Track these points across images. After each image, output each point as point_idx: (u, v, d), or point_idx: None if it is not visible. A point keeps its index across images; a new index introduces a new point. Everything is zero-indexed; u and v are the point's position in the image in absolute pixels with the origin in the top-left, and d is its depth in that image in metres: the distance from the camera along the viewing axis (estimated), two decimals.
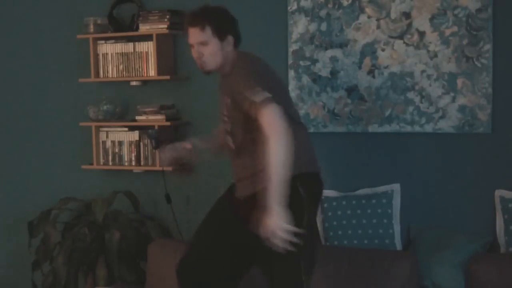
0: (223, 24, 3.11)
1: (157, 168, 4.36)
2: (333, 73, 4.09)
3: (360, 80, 4.03)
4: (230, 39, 3.13)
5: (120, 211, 4.43)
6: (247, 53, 3.17)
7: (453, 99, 3.86)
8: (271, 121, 2.82)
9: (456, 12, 3.82)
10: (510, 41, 3.76)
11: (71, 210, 4.58)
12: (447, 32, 3.85)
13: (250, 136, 3.03)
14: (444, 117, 3.89)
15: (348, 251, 3.79)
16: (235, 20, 3.19)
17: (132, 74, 4.45)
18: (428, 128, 3.92)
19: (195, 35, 3.10)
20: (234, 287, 3.31)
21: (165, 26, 4.32)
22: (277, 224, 2.77)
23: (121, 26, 4.48)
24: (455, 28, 3.83)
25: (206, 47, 3.10)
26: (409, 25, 3.92)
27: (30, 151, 4.92)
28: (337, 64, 4.07)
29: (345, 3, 4.04)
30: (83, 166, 4.65)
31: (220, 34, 3.09)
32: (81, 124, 4.62)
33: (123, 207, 4.47)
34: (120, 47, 4.46)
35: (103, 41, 4.50)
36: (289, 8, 4.14)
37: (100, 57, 4.51)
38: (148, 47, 4.37)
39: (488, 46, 3.78)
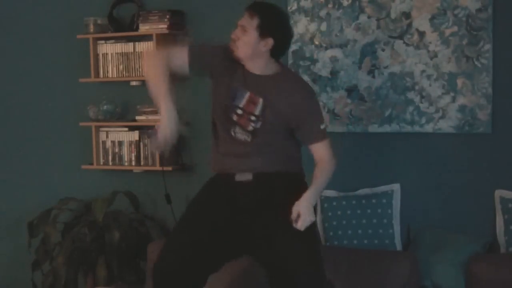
0: (270, 25, 3.15)
1: (157, 168, 4.36)
2: (333, 73, 4.09)
3: (360, 80, 4.03)
4: (269, 41, 3.15)
5: (120, 211, 4.43)
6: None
7: (453, 99, 3.86)
8: (331, 152, 3.26)
9: (456, 12, 3.82)
10: (510, 41, 3.76)
11: (71, 210, 4.58)
12: (447, 32, 3.85)
13: (285, 142, 3.27)
14: (444, 117, 3.88)
15: (348, 251, 3.79)
16: (288, 32, 3.26)
17: (132, 74, 4.45)
18: (428, 128, 3.92)
19: (244, 18, 3.18)
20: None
21: (165, 26, 4.32)
22: (310, 212, 3.10)
23: (121, 26, 4.48)
24: (455, 28, 3.83)
25: (244, 34, 3.14)
26: (409, 25, 3.92)
27: (30, 151, 4.92)
28: (337, 64, 4.07)
29: (345, 3, 4.03)
30: (83, 166, 4.65)
31: (262, 31, 3.13)
32: (81, 124, 4.62)
33: (123, 207, 4.47)
34: (120, 47, 4.46)
35: (103, 41, 4.50)
36: (289, 8, 4.14)
37: (100, 57, 4.51)
38: (148, 47, 4.37)
39: (488, 46, 3.78)
